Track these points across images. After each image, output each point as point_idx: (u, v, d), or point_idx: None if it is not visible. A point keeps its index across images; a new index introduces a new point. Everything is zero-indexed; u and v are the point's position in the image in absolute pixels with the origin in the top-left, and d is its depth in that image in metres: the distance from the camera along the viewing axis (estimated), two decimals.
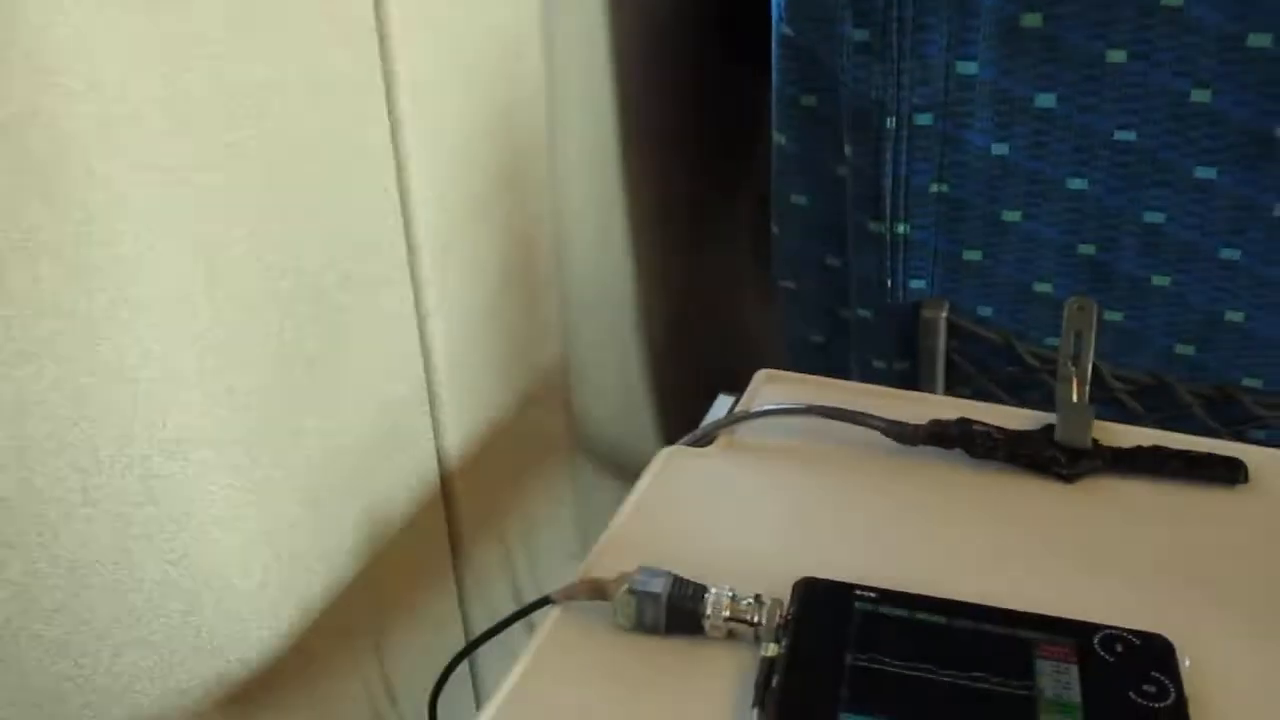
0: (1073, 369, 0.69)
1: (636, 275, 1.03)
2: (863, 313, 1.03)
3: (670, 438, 0.69)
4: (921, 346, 1.01)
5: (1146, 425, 0.98)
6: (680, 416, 1.15)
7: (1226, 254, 0.88)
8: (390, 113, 0.61)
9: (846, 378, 1.12)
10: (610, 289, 0.98)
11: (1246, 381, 0.92)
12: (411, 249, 0.64)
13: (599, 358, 0.97)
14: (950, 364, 1.02)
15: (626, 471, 0.92)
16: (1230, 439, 0.96)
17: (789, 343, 1.14)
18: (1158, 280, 0.91)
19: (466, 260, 0.70)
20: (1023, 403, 1.02)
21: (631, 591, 0.53)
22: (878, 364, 1.06)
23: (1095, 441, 0.65)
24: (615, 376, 1.03)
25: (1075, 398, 0.68)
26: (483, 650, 0.57)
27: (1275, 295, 0.89)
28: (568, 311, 0.88)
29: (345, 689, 0.65)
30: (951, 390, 1.04)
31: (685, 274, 1.16)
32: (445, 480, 0.71)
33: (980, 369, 1.01)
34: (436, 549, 0.72)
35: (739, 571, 0.57)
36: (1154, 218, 0.89)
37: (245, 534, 0.55)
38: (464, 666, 0.68)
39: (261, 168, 0.53)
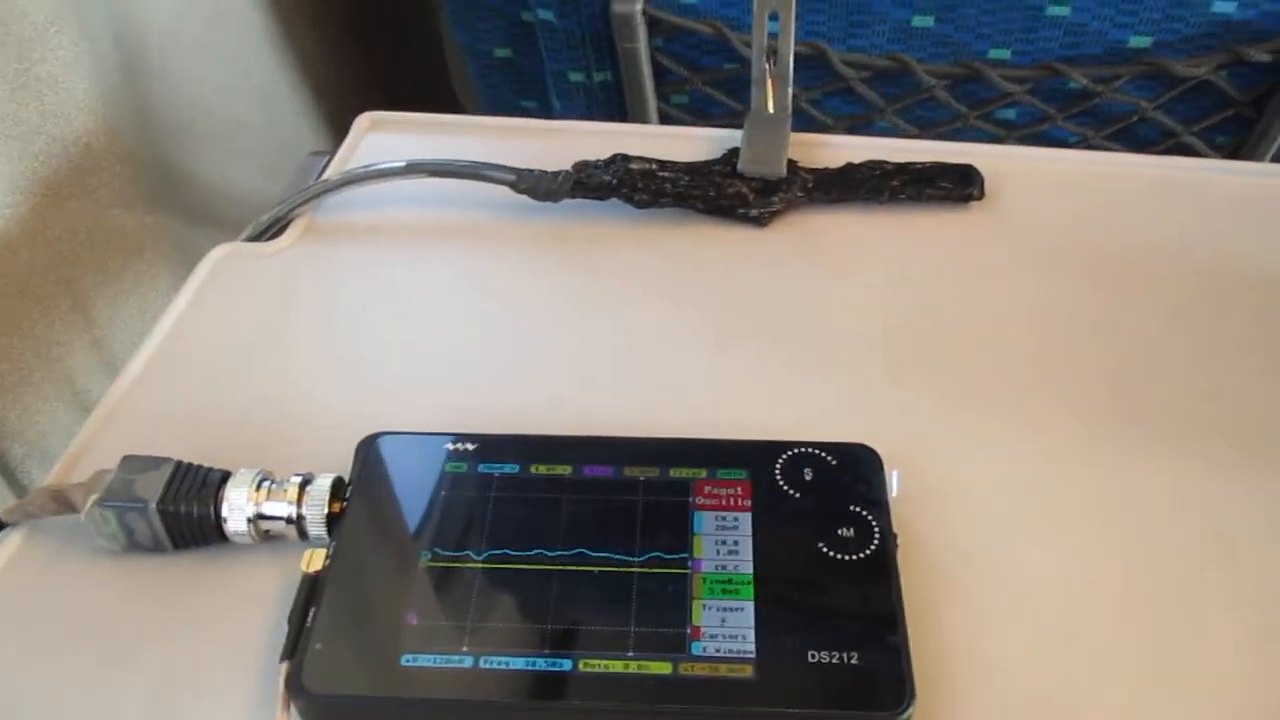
0: (767, 67, 0.51)
1: None
2: (544, 14, 0.82)
3: None
4: (621, 50, 0.82)
5: (887, 116, 0.84)
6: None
7: None
8: None
9: (545, 98, 0.92)
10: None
11: (993, 54, 0.78)
12: None
13: (206, 99, 0.73)
14: (659, 69, 0.84)
15: None
16: (978, 122, 0.83)
17: (469, 61, 0.92)
18: None
19: None
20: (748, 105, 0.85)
21: (105, 504, 0.35)
22: (575, 77, 0.87)
23: (794, 164, 0.48)
24: (244, 121, 0.80)
25: (770, 107, 0.51)
26: None
27: None
28: (126, 42, 0.63)
29: None
30: (666, 101, 0.86)
31: None
32: None
33: (693, 70, 0.83)
34: None
35: (302, 429, 0.40)
36: None
37: None
38: None
39: None
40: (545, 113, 0.92)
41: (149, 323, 0.66)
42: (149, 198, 0.66)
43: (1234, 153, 0.81)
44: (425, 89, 1.06)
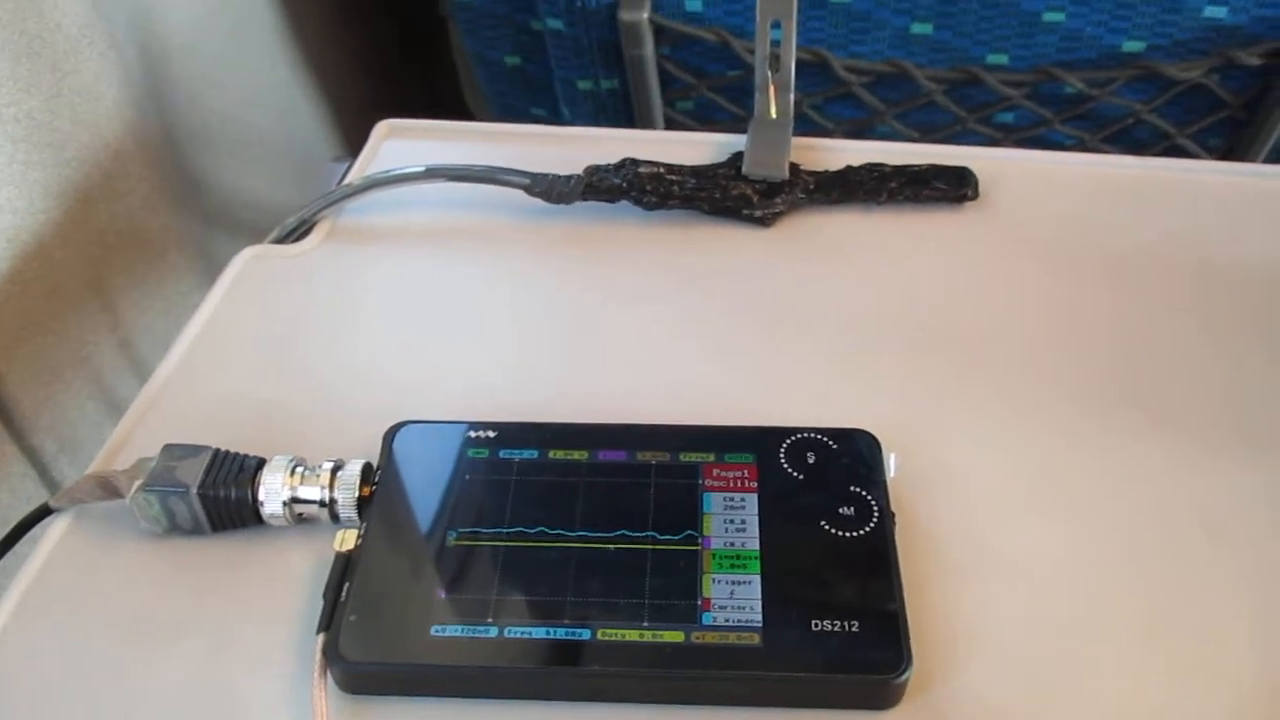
0: (770, 74, 0.54)
1: None
2: (553, 23, 0.84)
3: None
4: (628, 58, 0.84)
5: (887, 120, 0.86)
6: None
7: None
8: None
9: (553, 105, 0.95)
10: (217, 12, 0.75)
11: (990, 59, 0.80)
12: None
13: (225, 109, 0.75)
14: (665, 76, 0.86)
15: None
16: (977, 125, 0.85)
17: (479, 69, 0.94)
18: None
19: None
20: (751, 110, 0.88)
21: (149, 489, 0.37)
22: (583, 85, 0.89)
23: (795, 168, 0.51)
24: (261, 130, 0.82)
25: (773, 112, 0.53)
26: None
27: None
28: (150, 54, 0.66)
29: None
30: (672, 107, 0.89)
31: None
32: None
33: (699, 76, 0.85)
34: None
35: (327, 420, 0.42)
36: None
37: None
38: None
39: None
40: (554, 119, 0.94)
41: (173, 323, 0.69)
42: (172, 203, 0.69)
43: (1227, 154, 0.83)
44: (436, 97, 1.08)
